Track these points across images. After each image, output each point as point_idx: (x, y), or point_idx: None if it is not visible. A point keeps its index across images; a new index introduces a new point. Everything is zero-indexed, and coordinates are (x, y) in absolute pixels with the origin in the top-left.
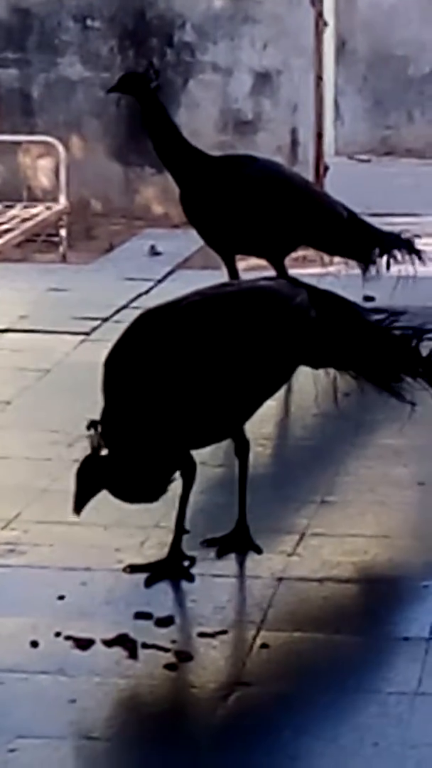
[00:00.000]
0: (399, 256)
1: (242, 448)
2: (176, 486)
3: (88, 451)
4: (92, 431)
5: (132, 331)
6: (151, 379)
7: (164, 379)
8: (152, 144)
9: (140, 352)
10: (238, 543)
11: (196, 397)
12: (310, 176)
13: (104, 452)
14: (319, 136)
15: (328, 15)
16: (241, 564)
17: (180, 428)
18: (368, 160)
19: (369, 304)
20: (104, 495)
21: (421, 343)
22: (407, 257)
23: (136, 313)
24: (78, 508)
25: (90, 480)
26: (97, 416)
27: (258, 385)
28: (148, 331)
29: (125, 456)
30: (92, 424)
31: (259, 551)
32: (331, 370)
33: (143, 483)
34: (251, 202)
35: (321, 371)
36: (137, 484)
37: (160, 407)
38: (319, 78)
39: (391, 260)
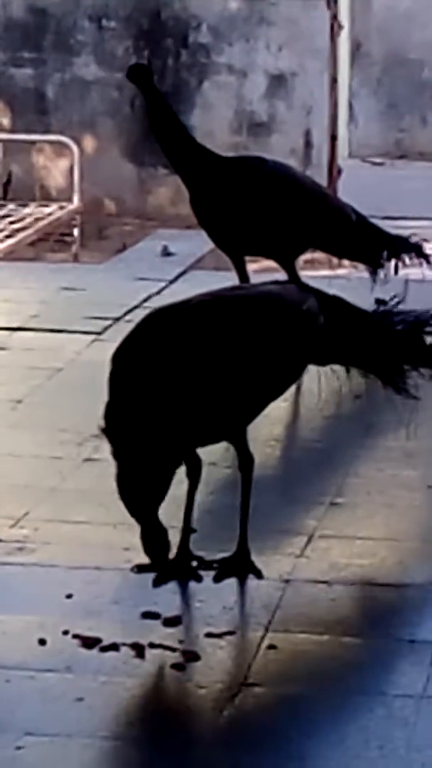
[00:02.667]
0: (407, 259)
1: (246, 463)
2: (184, 486)
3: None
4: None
5: (140, 329)
6: (156, 377)
7: (168, 378)
8: (156, 138)
9: (147, 349)
10: (238, 567)
11: (197, 397)
12: (323, 179)
13: None
14: (333, 138)
15: (344, 17)
16: None
17: (181, 426)
18: (382, 163)
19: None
20: (112, 495)
21: (425, 333)
22: (415, 261)
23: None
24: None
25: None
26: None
27: (261, 389)
28: (155, 330)
29: (128, 452)
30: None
31: (259, 576)
32: (338, 368)
33: (145, 481)
34: (260, 203)
35: (329, 371)
36: (139, 482)
37: (162, 405)
38: (334, 80)
39: (400, 264)
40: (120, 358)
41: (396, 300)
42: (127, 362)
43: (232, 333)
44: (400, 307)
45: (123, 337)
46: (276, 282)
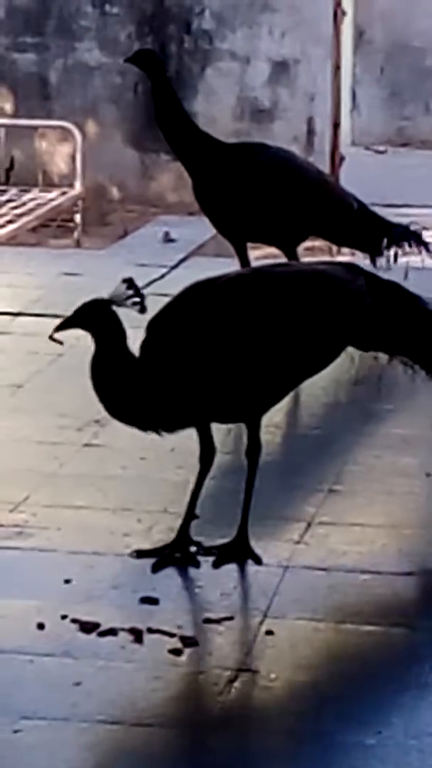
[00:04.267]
0: (407, 248)
1: (254, 449)
2: (187, 472)
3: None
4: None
5: (178, 300)
6: (190, 347)
7: (202, 349)
8: (159, 125)
9: (183, 320)
10: (237, 552)
11: (231, 370)
12: (325, 166)
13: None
14: (336, 125)
15: (347, 4)
16: None
17: (209, 398)
18: (384, 151)
19: None
20: (111, 480)
21: None
22: (415, 249)
23: (148, 300)
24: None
25: (85, 318)
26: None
27: (301, 364)
28: (192, 302)
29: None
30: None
31: (258, 561)
32: (382, 354)
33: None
34: (262, 190)
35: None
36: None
37: (192, 375)
38: (337, 68)
39: (399, 252)
40: (155, 325)
41: None
42: (161, 330)
43: (270, 306)
44: None
45: (161, 306)
46: (326, 262)
